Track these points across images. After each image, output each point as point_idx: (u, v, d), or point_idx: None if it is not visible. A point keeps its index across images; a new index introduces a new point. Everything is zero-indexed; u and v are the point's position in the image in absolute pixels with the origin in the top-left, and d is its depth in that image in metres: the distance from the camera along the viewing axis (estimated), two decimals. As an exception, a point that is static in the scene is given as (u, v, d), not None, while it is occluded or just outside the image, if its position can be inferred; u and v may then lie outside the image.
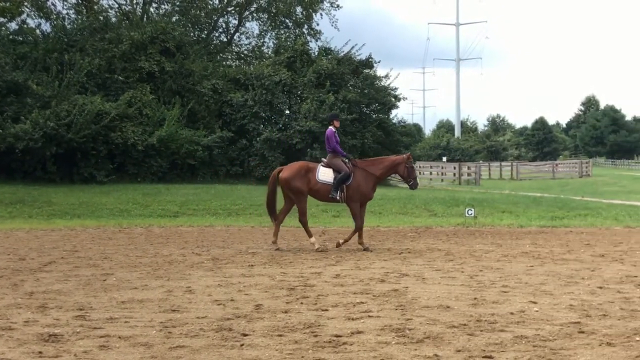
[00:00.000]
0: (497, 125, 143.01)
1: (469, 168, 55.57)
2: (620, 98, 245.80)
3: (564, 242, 17.42)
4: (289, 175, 16.12)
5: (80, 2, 48.56)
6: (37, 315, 8.89)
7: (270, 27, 53.12)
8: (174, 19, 49.43)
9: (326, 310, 9.15)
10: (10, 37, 42.00)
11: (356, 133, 39.87)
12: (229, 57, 54.18)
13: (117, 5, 50.18)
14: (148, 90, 39.51)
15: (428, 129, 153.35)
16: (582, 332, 7.82)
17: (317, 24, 52.08)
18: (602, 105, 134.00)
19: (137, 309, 9.26)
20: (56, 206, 26.93)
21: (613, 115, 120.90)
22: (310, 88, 40.81)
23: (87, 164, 35.59)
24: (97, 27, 42.95)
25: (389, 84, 43.95)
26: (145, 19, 48.43)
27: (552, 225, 22.11)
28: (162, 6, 51.86)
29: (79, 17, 46.78)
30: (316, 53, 44.93)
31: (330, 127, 16.32)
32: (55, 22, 45.61)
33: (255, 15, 53.42)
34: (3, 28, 42.16)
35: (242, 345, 7.38)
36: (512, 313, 8.85)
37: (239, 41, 55.17)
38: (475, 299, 9.82)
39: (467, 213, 22.42)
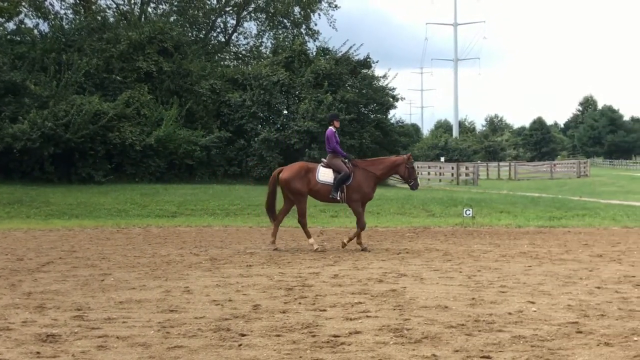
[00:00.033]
0: (495, 126, 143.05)
1: (467, 168, 55.62)
2: (618, 98, 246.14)
3: (562, 242, 17.44)
4: (289, 176, 16.12)
5: (78, 2, 48.54)
6: (35, 316, 8.89)
7: (268, 27, 53.11)
8: (171, 19, 49.40)
9: (324, 310, 9.15)
10: (8, 37, 41.98)
11: (354, 133, 39.86)
12: (227, 57, 54.14)
13: (115, 5, 50.20)
14: (146, 90, 39.48)
15: (426, 129, 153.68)
16: (580, 332, 7.83)
17: (315, 24, 52.07)
18: (600, 106, 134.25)
19: (135, 309, 9.26)
20: (54, 206, 26.92)
21: (611, 116, 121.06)
22: (308, 88, 40.80)
23: (85, 164, 35.57)
24: (95, 27, 42.93)
25: (387, 84, 44.00)
26: (143, 19, 48.39)
27: (550, 225, 22.12)
28: (160, 6, 51.89)
29: (77, 17, 46.74)
30: (314, 53, 44.91)
31: (330, 128, 16.33)
32: (53, 22, 45.54)
33: (253, 15, 53.41)
34: (1, 28, 42.22)
35: (240, 345, 7.38)
36: (510, 313, 8.86)
37: (237, 41, 55.20)
38: (473, 299, 9.82)
39: (465, 213, 22.43)
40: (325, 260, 14.25)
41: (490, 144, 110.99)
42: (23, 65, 37.48)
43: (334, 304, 9.51)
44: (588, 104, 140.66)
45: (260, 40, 53.99)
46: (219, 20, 53.22)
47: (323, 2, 51.18)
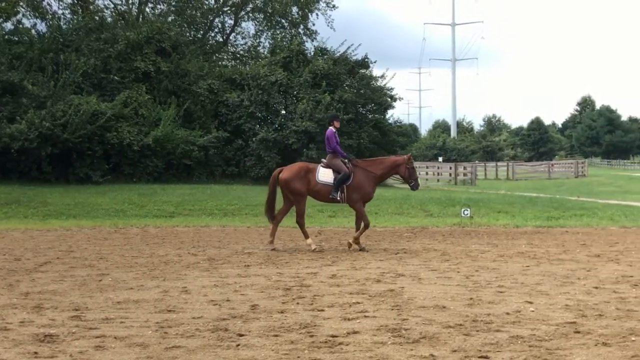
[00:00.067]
0: (493, 126, 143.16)
1: (465, 168, 55.61)
2: (616, 98, 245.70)
3: (560, 242, 17.45)
4: (289, 176, 16.13)
5: (75, 2, 48.52)
6: (32, 316, 8.88)
7: (266, 27, 53.09)
8: (169, 19, 49.38)
9: (322, 310, 9.15)
10: (6, 37, 41.91)
11: (352, 133, 39.84)
12: (225, 57, 54.13)
13: (112, 5, 50.21)
14: (144, 90, 39.45)
15: (424, 129, 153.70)
16: (578, 332, 7.83)
17: (313, 24, 52.14)
18: (597, 106, 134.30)
19: (133, 309, 9.25)
20: (52, 206, 26.91)
21: (609, 116, 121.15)
22: (306, 88, 40.78)
23: (82, 164, 35.53)
24: (92, 27, 42.89)
25: (385, 84, 44.00)
26: (140, 19, 48.37)
27: (548, 225, 22.14)
28: (158, 6, 51.86)
29: (75, 17, 46.75)
30: (312, 53, 44.87)
31: (331, 128, 16.34)
32: (50, 22, 45.52)
33: (251, 15, 53.40)
34: (-2, 28, 42.13)
35: (238, 345, 7.37)
36: (508, 313, 8.86)
37: (235, 41, 55.20)
38: (471, 299, 9.82)
39: (463, 213, 22.43)
40: (323, 261, 14.25)
41: (488, 144, 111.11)
42: (21, 65, 37.43)
43: (332, 304, 9.51)
44: (586, 104, 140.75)
45: (258, 40, 54.07)
46: (216, 20, 53.25)
47: (321, 2, 51.22)
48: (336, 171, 16.09)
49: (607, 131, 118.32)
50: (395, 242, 17.65)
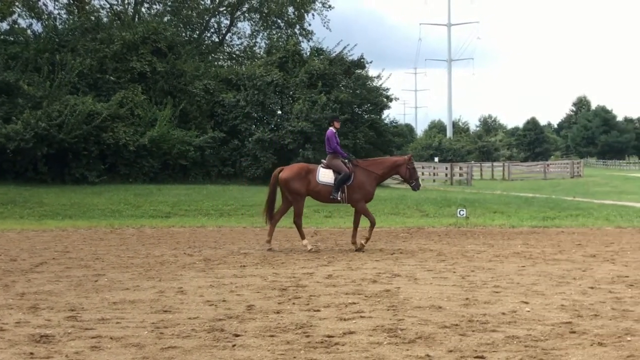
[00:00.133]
0: (489, 126, 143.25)
1: (460, 168, 55.66)
2: (612, 98, 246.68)
3: (556, 242, 17.46)
4: (289, 176, 16.15)
5: (71, 2, 48.44)
6: (28, 316, 8.87)
7: (262, 28, 53.07)
8: (165, 19, 49.35)
9: (318, 310, 9.15)
10: (1, 37, 41.90)
11: (348, 133, 39.84)
12: (221, 57, 54.10)
13: (108, 6, 50.12)
14: (140, 90, 39.43)
15: (420, 130, 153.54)
16: (574, 332, 7.84)
17: (309, 25, 52.10)
18: (593, 106, 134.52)
19: (129, 310, 9.25)
20: (47, 207, 26.88)
21: (604, 116, 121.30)
22: (302, 88, 40.79)
23: (78, 164, 35.50)
24: (88, 27, 42.84)
25: (380, 85, 44.03)
26: (136, 19, 48.33)
27: (543, 225, 22.16)
28: (154, 6, 51.80)
29: (71, 17, 46.66)
30: (308, 53, 44.91)
31: (331, 128, 16.36)
32: (46, 22, 45.49)
33: (247, 15, 53.37)
34: (-6, 28, 42.09)
35: (234, 345, 7.37)
36: (503, 313, 8.87)
37: (231, 41, 55.17)
38: (467, 299, 9.83)
39: (459, 213, 22.45)
40: (319, 261, 14.25)
41: (484, 144, 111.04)
42: (16, 66, 37.39)
43: (328, 305, 9.51)
44: (581, 104, 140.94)
45: (254, 41, 54.05)
46: (212, 20, 53.20)
47: (317, 3, 51.24)
48: (336, 172, 16.11)
49: (603, 131, 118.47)
50: (391, 243, 17.66)
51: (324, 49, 44.59)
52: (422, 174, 58.06)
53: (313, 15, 51.68)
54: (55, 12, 48.23)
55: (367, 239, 16.19)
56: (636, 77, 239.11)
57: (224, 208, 27.17)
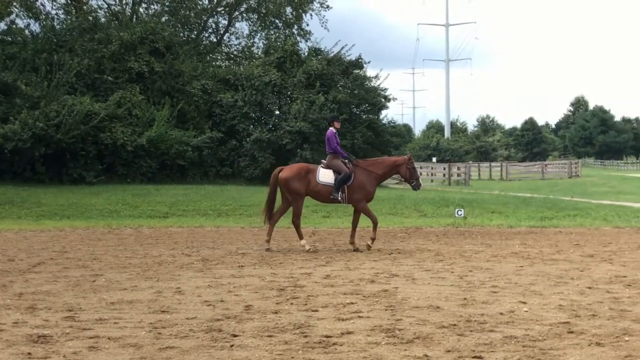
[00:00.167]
0: (487, 126, 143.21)
1: (458, 168, 55.71)
2: (609, 99, 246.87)
3: (554, 242, 17.47)
4: (288, 176, 16.15)
5: (69, 2, 48.41)
6: (26, 317, 8.86)
7: (260, 28, 53.07)
8: (163, 19, 49.32)
9: (316, 310, 9.15)
10: (-1, 37, 41.87)
11: (346, 134, 39.81)
12: (219, 57, 54.08)
13: (106, 6, 50.09)
14: (137, 90, 39.42)
15: (418, 130, 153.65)
16: (572, 332, 7.84)
17: (307, 25, 52.04)
18: (591, 106, 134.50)
19: (127, 310, 9.24)
20: (45, 207, 26.87)
21: (602, 116, 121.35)
22: (300, 88, 40.78)
23: (76, 164, 35.48)
24: (86, 28, 42.81)
25: (378, 85, 44.03)
26: (134, 19, 48.30)
27: (541, 225, 22.18)
28: (152, 6, 51.78)
29: (68, 17, 46.60)
30: (306, 53, 44.90)
31: (331, 129, 16.37)
32: (44, 23, 45.40)
33: (245, 15, 53.35)
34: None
35: (232, 346, 7.37)
36: (501, 313, 8.87)
37: (229, 41, 55.14)
38: (465, 299, 9.83)
39: (457, 213, 22.46)
40: (317, 261, 14.25)
41: (481, 144, 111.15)
42: (14, 66, 37.37)
43: (326, 305, 9.51)
44: (579, 104, 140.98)
45: (252, 41, 54.00)
46: (210, 20, 53.18)
47: (315, 3, 51.21)
48: (336, 172, 16.12)
49: (601, 131, 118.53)
50: (389, 243, 17.66)
51: (322, 49, 44.59)
52: (420, 174, 58.04)
53: (311, 15, 51.71)
54: (53, 12, 48.27)
55: (373, 239, 16.20)
56: (634, 78, 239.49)
57: (222, 208, 27.17)
